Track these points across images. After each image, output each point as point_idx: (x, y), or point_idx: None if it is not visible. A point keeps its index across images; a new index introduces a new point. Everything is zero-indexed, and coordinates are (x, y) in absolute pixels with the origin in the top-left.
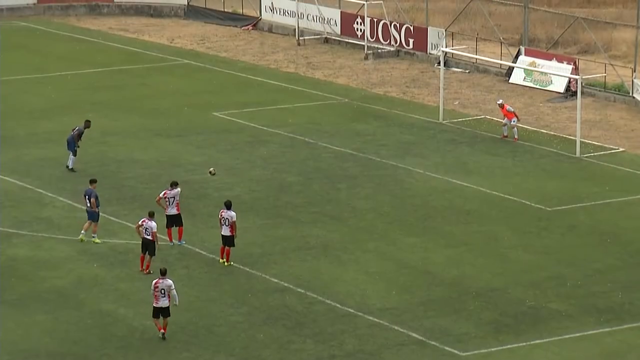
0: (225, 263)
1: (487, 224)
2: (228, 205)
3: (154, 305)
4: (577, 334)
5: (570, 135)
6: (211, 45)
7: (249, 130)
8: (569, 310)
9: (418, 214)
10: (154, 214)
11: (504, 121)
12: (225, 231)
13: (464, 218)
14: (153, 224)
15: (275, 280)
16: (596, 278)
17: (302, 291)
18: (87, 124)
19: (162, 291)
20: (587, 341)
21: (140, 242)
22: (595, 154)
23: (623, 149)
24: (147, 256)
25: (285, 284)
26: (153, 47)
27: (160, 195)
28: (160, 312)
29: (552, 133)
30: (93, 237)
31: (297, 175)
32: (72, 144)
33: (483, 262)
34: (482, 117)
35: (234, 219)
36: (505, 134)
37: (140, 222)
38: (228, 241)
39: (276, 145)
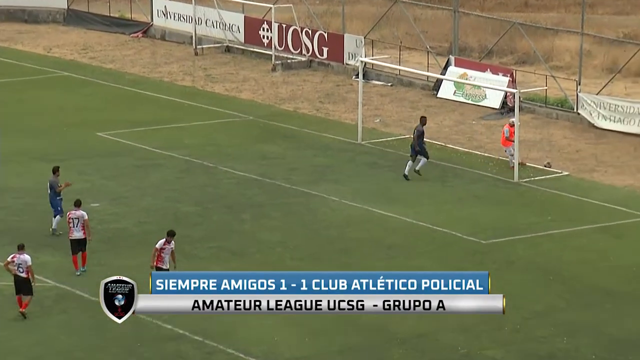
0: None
1: (413, 259)
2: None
3: None
4: None
5: (506, 157)
6: (95, 55)
7: (139, 153)
8: (507, 357)
9: (334, 247)
10: (24, 246)
11: (507, 152)
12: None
13: (386, 252)
14: (27, 257)
15: (169, 327)
16: (537, 321)
17: (200, 339)
18: (424, 120)
19: None
20: None
21: (13, 282)
22: (536, 178)
23: (567, 173)
24: (24, 296)
25: (180, 331)
26: (27, 58)
27: (68, 215)
28: None
29: (486, 155)
30: None
31: (193, 204)
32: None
33: None
34: (407, 137)
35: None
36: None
37: (10, 258)
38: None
39: (170, 170)
